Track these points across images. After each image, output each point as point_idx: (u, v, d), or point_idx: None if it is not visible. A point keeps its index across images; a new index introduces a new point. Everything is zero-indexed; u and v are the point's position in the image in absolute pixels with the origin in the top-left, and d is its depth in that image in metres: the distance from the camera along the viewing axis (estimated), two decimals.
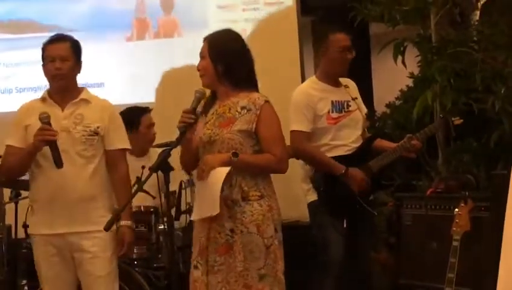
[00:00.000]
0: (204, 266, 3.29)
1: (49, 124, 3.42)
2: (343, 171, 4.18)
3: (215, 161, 3.22)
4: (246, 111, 3.31)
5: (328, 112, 4.25)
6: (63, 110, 3.59)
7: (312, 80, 4.39)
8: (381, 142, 4.45)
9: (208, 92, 3.41)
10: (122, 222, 3.63)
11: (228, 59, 3.33)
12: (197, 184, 3.37)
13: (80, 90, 3.69)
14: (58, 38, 3.63)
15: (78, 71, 3.67)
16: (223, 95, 3.37)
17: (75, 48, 3.64)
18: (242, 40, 3.44)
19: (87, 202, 3.54)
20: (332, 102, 4.28)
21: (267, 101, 3.34)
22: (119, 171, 3.70)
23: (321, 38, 4.39)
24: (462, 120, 4.58)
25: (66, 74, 3.57)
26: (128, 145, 3.77)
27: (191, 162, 3.41)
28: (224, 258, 3.26)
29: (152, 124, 4.91)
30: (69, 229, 3.51)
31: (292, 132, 4.22)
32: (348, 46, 4.32)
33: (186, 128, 3.19)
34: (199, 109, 3.33)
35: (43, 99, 3.62)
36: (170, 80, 5.94)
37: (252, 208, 3.27)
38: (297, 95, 4.33)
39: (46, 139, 3.39)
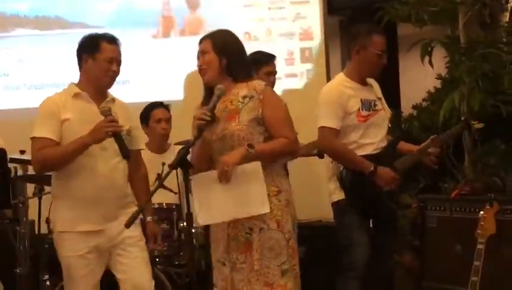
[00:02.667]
0: (229, 264, 3.31)
1: (112, 116, 3.44)
2: (372, 169, 4.14)
3: (234, 158, 3.21)
4: (248, 99, 3.34)
5: (359, 110, 4.21)
6: (98, 107, 3.58)
7: (342, 78, 4.32)
8: (404, 145, 4.40)
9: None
10: (148, 218, 3.74)
11: (232, 52, 3.40)
12: (219, 187, 3.26)
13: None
14: (116, 40, 3.66)
15: None
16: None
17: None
18: (238, 38, 3.53)
19: (124, 198, 3.60)
20: (361, 100, 4.25)
21: (266, 85, 3.40)
22: (141, 170, 3.79)
23: (361, 35, 4.26)
24: (482, 124, 4.53)
25: (116, 77, 3.65)
26: (143, 145, 3.89)
27: (206, 162, 3.40)
28: (245, 257, 3.27)
29: (162, 119, 4.89)
30: (112, 224, 3.53)
31: (322, 128, 4.19)
32: (385, 50, 4.28)
33: (204, 126, 3.21)
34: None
35: (75, 94, 3.60)
36: (195, 78, 5.90)
37: (271, 204, 3.27)
38: (328, 91, 4.29)
39: (115, 131, 3.40)
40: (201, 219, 3.30)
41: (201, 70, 3.43)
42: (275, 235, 3.26)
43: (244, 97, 3.34)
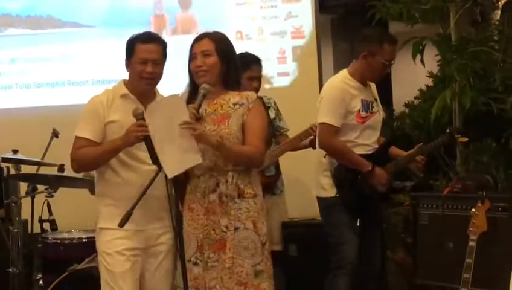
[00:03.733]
0: (203, 263, 3.31)
1: (144, 120, 3.32)
2: (370, 168, 4.16)
3: (205, 137, 3.20)
4: (238, 106, 3.35)
5: (359, 111, 4.23)
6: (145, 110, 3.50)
7: (345, 76, 4.31)
8: (393, 150, 4.42)
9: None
10: None
11: (231, 60, 3.40)
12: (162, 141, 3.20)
13: (155, 91, 3.63)
14: (152, 39, 3.52)
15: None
16: (213, 94, 3.37)
17: (165, 51, 3.56)
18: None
19: (162, 199, 3.42)
20: (362, 101, 4.26)
21: (259, 97, 3.45)
22: None
23: (372, 41, 4.23)
24: (466, 139, 4.55)
25: (156, 78, 3.52)
26: None
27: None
28: (217, 255, 3.28)
29: None
30: (152, 226, 3.46)
31: (322, 124, 4.20)
32: (392, 60, 4.28)
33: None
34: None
35: (123, 95, 3.50)
36: (187, 77, 5.94)
37: (247, 205, 3.30)
38: (332, 88, 4.29)
39: (144, 135, 3.29)
40: (169, 172, 3.21)
41: (201, 71, 3.36)
42: (250, 236, 3.27)
43: (235, 104, 3.35)
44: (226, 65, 3.36)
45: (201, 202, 3.32)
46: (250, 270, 3.25)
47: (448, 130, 4.56)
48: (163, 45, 3.53)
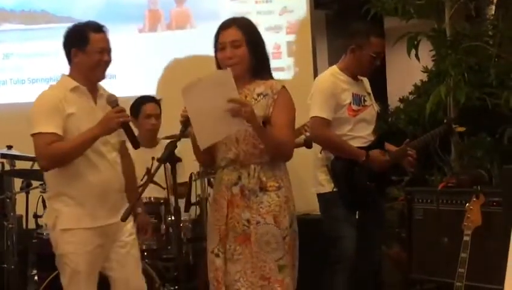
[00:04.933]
0: (224, 254, 3.27)
1: (119, 106, 3.39)
2: (365, 156, 4.17)
3: (253, 116, 3.09)
4: (262, 97, 3.26)
5: (350, 104, 4.24)
6: (95, 101, 3.53)
7: (335, 70, 4.34)
8: (387, 146, 4.42)
9: None
10: (139, 209, 3.73)
11: (261, 50, 3.30)
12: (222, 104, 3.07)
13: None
14: (103, 28, 3.54)
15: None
16: (239, 83, 3.28)
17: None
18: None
19: (122, 192, 3.53)
20: (353, 94, 4.27)
21: (283, 87, 3.30)
22: (130, 161, 3.74)
23: (359, 35, 4.27)
24: (464, 128, 4.55)
25: (108, 66, 3.55)
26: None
27: (204, 156, 3.36)
28: (242, 248, 3.23)
29: (151, 115, 4.88)
30: (115, 219, 3.40)
31: (314, 117, 4.20)
32: (382, 53, 4.29)
33: (187, 123, 3.15)
34: None
35: (73, 88, 3.48)
36: (182, 72, 5.93)
37: (269, 199, 3.23)
38: (322, 82, 4.31)
39: (125, 121, 3.36)
40: (201, 143, 3.18)
41: (231, 62, 3.24)
42: (271, 230, 3.21)
43: (259, 94, 3.26)
44: (255, 56, 3.27)
45: (224, 195, 3.26)
46: (274, 265, 3.20)
47: (445, 121, 4.57)
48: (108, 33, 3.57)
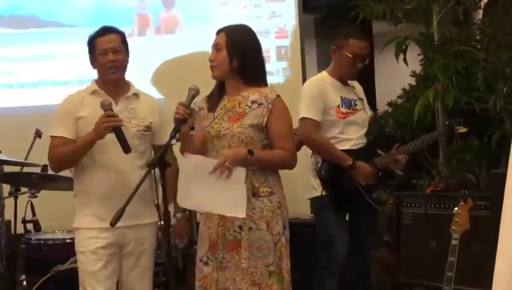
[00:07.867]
0: (214, 262, 3.27)
1: (112, 110, 3.41)
2: (351, 162, 4.17)
3: (235, 159, 3.13)
4: (256, 105, 3.28)
5: (338, 106, 4.26)
6: (116, 103, 3.55)
7: (323, 75, 4.39)
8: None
9: (209, 88, 3.40)
10: (178, 215, 3.66)
11: (245, 55, 3.31)
12: (204, 176, 3.15)
13: (129, 84, 3.69)
14: (108, 30, 3.60)
15: (127, 63, 3.67)
16: (232, 89, 3.34)
17: (125, 40, 3.65)
18: (257, 38, 3.42)
19: (141, 196, 3.41)
20: (341, 97, 4.30)
21: (278, 96, 3.33)
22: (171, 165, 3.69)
23: (339, 38, 4.33)
24: (466, 129, 4.58)
25: (120, 65, 3.58)
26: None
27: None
28: (231, 255, 3.24)
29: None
30: (125, 222, 3.32)
31: (302, 119, 4.21)
32: (362, 55, 4.29)
33: (180, 123, 3.17)
34: (197, 106, 3.35)
35: (93, 91, 3.58)
36: (172, 76, 5.93)
37: (262, 204, 3.25)
38: (309, 84, 4.36)
39: (114, 126, 3.36)
40: (179, 200, 3.27)
41: (211, 64, 3.35)
42: (264, 236, 3.22)
43: (253, 102, 3.29)
44: (238, 59, 3.29)
45: None
46: (264, 271, 3.22)
47: (447, 123, 4.60)
48: (120, 33, 3.63)
